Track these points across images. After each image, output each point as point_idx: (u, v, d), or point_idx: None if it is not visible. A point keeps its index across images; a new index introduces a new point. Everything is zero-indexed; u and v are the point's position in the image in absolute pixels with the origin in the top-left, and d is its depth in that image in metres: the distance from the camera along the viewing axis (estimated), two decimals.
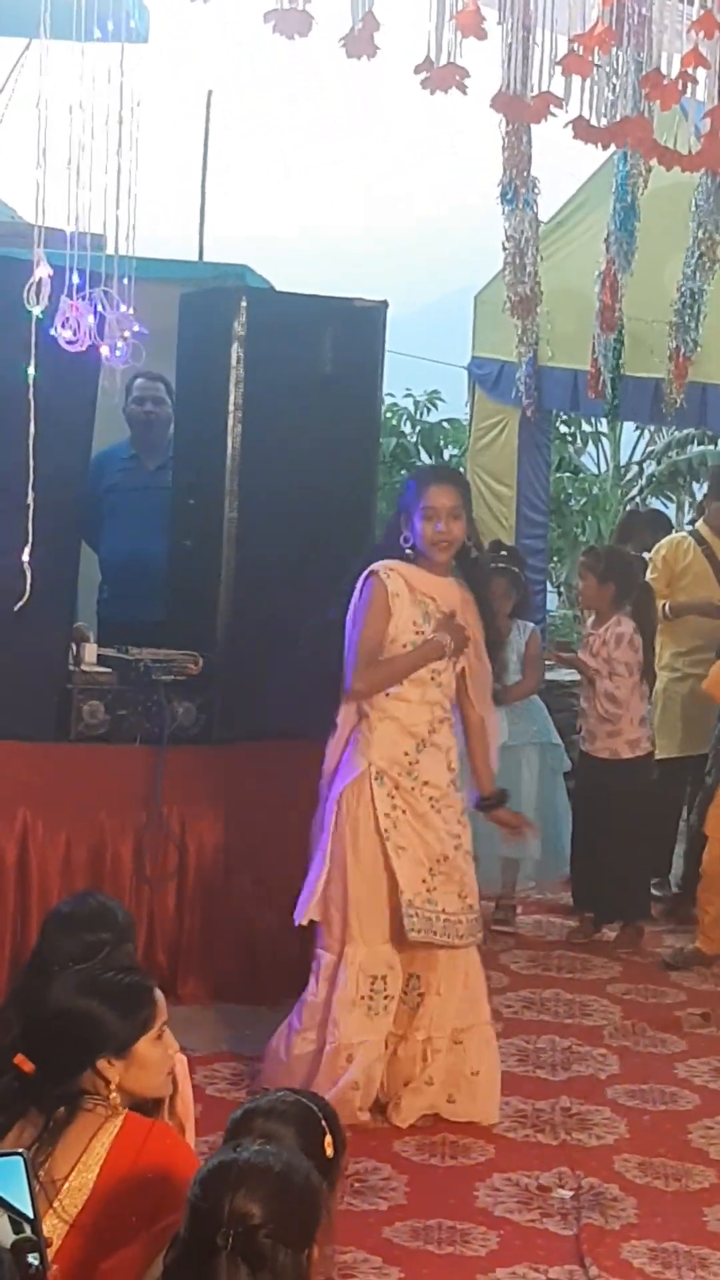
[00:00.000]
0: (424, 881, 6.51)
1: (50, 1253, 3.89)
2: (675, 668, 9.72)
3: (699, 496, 12.78)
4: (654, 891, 9.55)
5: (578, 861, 9.20)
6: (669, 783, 9.44)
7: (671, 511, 15.74)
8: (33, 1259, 3.38)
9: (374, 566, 6.57)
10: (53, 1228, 3.92)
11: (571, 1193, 6.09)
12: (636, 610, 9.02)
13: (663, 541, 10.07)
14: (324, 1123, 3.89)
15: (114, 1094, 4.20)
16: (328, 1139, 3.85)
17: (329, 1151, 3.83)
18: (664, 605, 9.46)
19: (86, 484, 7.90)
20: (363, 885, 6.52)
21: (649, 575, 9.87)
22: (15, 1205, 3.43)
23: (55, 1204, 3.94)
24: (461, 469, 13.26)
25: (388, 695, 6.53)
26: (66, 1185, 3.97)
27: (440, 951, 6.61)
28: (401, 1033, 6.67)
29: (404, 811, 6.51)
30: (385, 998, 6.56)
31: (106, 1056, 4.17)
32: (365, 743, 6.53)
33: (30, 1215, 3.45)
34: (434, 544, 6.52)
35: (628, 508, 14.60)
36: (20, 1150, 3.54)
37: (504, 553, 9.42)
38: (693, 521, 10.46)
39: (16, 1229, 3.41)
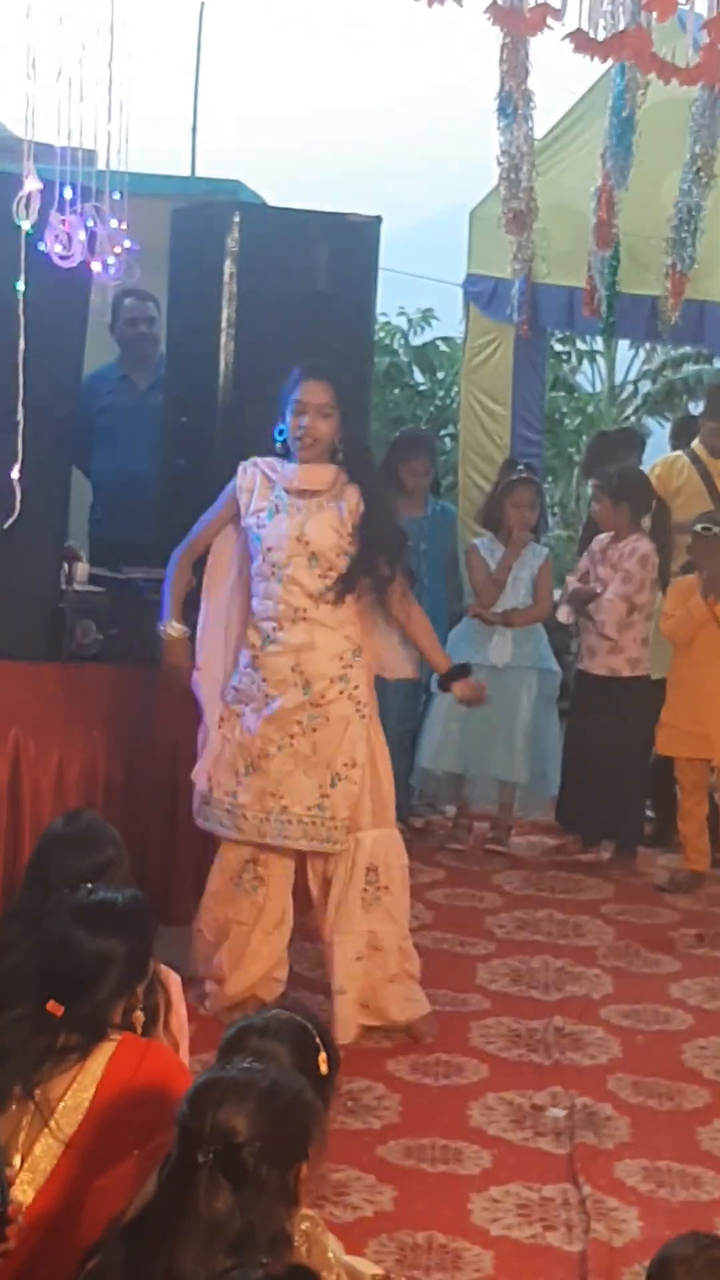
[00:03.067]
0: (235, 778, 6.61)
1: (44, 1172, 3.92)
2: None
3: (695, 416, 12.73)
4: (648, 813, 9.55)
5: (568, 780, 9.19)
6: (662, 703, 9.33)
7: (668, 431, 15.67)
8: None
9: (243, 462, 6.67)
10: (48, 1147, 3.95)
11: (565, 1112, 6.10)
12: (654, 527, 8.98)
13: (658, 460, 10.02)
14: (318, 1041, 3.90)
15: (139, 1013, 4.25)
16: (321, 1056, 3.87)
17: (323, 1069, 3.84)
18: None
19: (78, 402, 7.85)
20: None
21: None
22: None
23: (51, 1124, 3.96)
24: (455, 389, 13.21)
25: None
26: (62, 1105, 3.99)
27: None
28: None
29: (243, 701, 6.62)
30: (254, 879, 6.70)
31: (137, 988, 4.23)
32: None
33: None
34: (297, 439, 6.55)
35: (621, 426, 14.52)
36: None
37: (521, 468, 9.36)
38: (683, 441, 10.40)
39: None
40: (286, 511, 6.52)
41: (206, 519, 6.71)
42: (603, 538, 9.07)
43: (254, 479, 6.59)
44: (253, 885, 6.69)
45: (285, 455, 6.59)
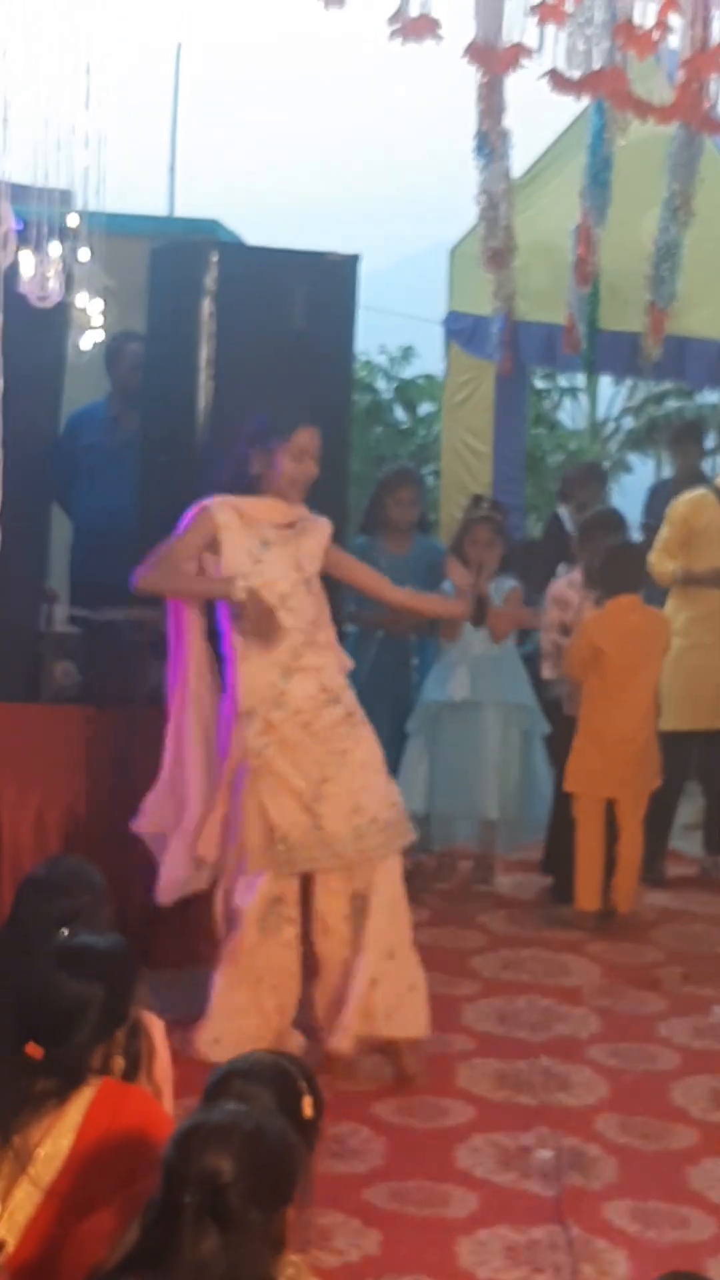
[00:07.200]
0: (306, 811, 6.53)
1: (23, 1221, 3.87)
2: (689, 633, 9.26)
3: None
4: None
5: (554, 827, 9.06)
6: (669, 754, 8.92)
7: (649, 467, 15.69)
8: None
9: (205, 500, 6.62)
10: (27, 1194, 3.90)
11: (552, 1153, 6.06)
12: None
13: (683, 498, 9.46)
14: (302, 1084, 3.88)
15: (118, 1059, 4.21)
16: (306, 1100, 3.84)
17: (307, 1112, 3.82)
18: (674, 570, 9.20)
19: (57, 442, 7.83)
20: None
21: (663, 532, 9.50)
22: None
23: (30, 1171, 3.91)
24: (436, 426, 13.24)
25: (244, 635, 6.56)
26: (40, 1152, 3.95)
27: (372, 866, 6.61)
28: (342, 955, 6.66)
29: (276, 746, 6.54)
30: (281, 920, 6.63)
31: (117, 1033, 4.19)
32: (236, 685, 6.59)
33: None
34: (294, 481, 6.61)
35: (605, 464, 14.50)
36: None
37: (484, 504, 9.29)
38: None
39: None
40: (281, 544, 6.58)
41: (188, 544, 6.58)
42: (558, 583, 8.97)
43: (231, 517, 6.58)
44: (277, 926, 6.63)
45: (253, 491, 6.62)
